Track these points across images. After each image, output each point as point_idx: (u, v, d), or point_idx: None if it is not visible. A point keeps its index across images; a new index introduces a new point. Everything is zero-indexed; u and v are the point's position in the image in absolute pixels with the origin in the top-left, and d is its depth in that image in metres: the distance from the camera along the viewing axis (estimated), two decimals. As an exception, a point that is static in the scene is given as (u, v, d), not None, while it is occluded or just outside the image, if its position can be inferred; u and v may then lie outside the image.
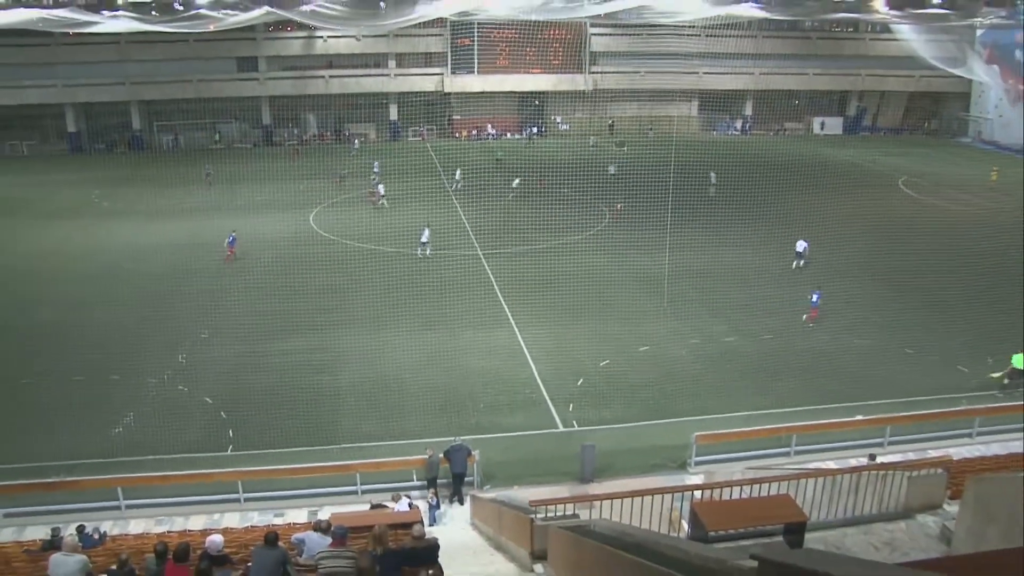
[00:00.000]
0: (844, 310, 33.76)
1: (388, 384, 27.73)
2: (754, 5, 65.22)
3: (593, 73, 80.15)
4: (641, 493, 13.58)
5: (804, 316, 33.02)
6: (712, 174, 53.18)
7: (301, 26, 72.87)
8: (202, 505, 21.58)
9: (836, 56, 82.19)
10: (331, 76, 77.65)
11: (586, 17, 72.76)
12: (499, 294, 36.02)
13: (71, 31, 65.71)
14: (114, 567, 13.07)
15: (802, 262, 38.94)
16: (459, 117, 79.95)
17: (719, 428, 23.72)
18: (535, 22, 68.52)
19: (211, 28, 65.11)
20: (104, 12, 62.83)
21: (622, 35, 78.61)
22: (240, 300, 34.82)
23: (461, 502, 21.36)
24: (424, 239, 40.67)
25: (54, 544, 16.22)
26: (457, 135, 79.36)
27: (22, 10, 61.05)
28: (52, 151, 76.39)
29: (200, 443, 24.33)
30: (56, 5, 63.04)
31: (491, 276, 38.31)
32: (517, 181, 54.85)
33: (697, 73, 77.30)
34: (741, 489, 13.60)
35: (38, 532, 19.74)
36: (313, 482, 22.09)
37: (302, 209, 50.28)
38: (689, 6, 65.53)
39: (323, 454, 23.07)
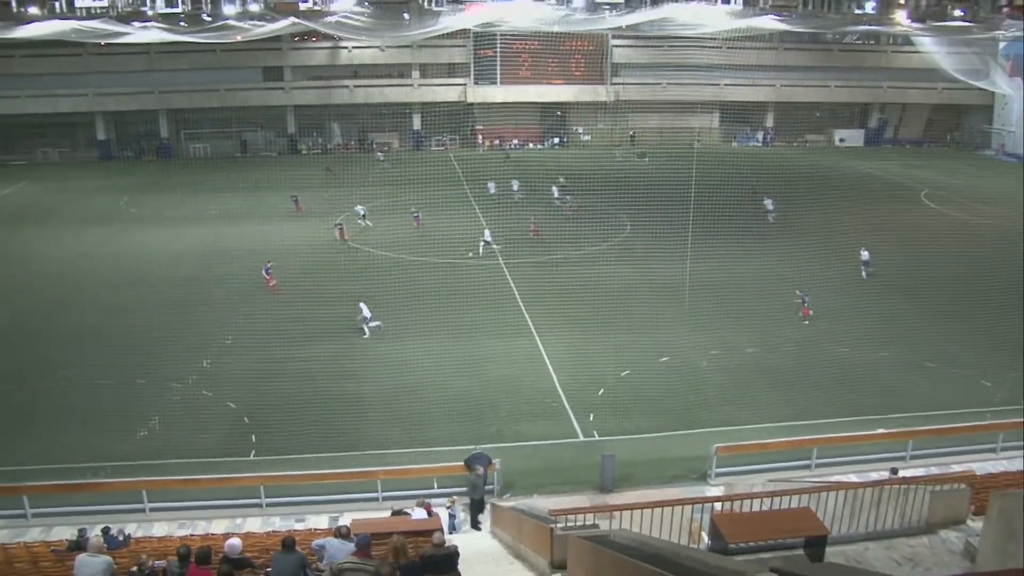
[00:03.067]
0: (866, 322, 33.64)
1: (410, 392, 27.88)
2: (775, 17, 65.29)
3: (615, 84, 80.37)
4: (661, 504, 13.62)
5: (805, 320, 33.91)
6: (768, 200, 51.05)
7: (326, 36, 73.60)
8: (225, 509, 21.77)
9: (857, 68, 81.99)
10: (355, 86, 78.23)
11: (608, 29, 73.02)
12: (521, 304, 36.14)
13: (103, 42, 66.67)
14: (135, 569, 13.25)
15: (870, 269, 39.56)
16: (482, 127, 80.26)
17: (740, 440, 23.65)
18: (557, 34, 68.83)
19: (238, 38, 65.88)
20: (135, 23, 63.81)
21: (644, 47, 78.81)
22: (264, 307, 35.13)
23: (481, 510, 21.44)
24: (487, 238, 41.53)
25: (80, 545, 16.43)
26: (480, 145, 79.67)
27: (56, 21, 62.34)
28: (83, 158, 77.53)
29: (223, 447, 24.58)
30: (89, 16, 64.06)
31: (513, 286, 38.45)
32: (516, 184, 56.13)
33: (718, 85, 77.32)
34: (762, 501, 13.60)
35: (64, 532, 20.03)
36: (334, 488, 22.20)
37: (327, 217, 50.62)
38: (711, 18, 65.66)
39: (345, 460, 23.21)
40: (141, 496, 21.51)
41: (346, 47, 76.73)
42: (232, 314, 34.81)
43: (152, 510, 21.57)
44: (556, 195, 54.41)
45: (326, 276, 38.88)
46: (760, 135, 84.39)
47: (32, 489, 21.49)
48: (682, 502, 14.10)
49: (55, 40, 63.78)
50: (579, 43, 77.71)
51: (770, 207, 50.62)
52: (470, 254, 41.60)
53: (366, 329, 32.94)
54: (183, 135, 79.50)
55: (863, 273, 39.65)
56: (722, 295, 35.73)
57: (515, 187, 56.48)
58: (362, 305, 33.26)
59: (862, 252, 40.31)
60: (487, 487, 21.76)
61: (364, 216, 49.26)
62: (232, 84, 75.69)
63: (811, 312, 34.18)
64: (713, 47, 71.40)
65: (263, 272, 38.79)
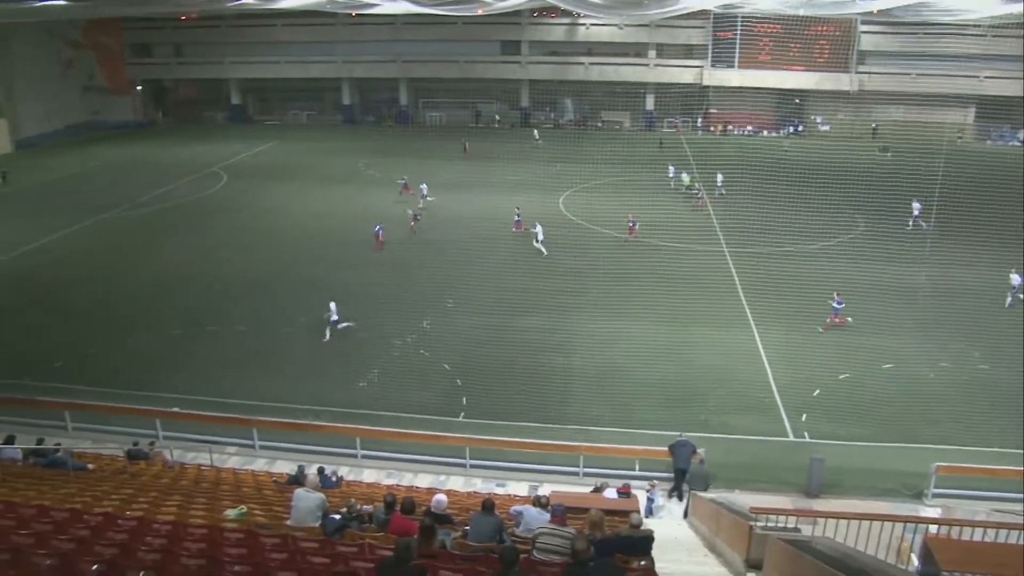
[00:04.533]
0: None
1: (619, 371, 27.78)
2: (1059, 0, 59.12)
3: (860, 73, 76.10)
4: (870, 517, 12.96)
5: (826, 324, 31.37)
6: (916, 204, 43.78)
7: (565, 13, 74.09)
8: (430, 465, 22.71)
9: None
10: (591, 63, 78.49)
11: (857, 13, 68.99)
12: (741, 294, 35.12)
13: (353, 12, 70.70)
14: (344, 510, 14.00)
15: (1020, 295, 34.36)
16: (715, 111, 78.38)
17: (964, 461, 21.76)
18: (802, 17, 65.83)
19: (479, 12, 67.55)
20: (383, -5, 66.86)
21: (895, 34, 73.88)
22: (485, 274, 35.98)
23: (680, 498, 21.11)
24: (540, 236, 40.21)
25: (298, 479, 17.60)
26: (712, 129, 77.92)
27: (314, -6, 66.40)
28: (328, 121, 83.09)
29: (434, 406, 25.49)
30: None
31: (735, 274, 37.44)
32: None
33: (977, 77, 71.36)
34: (984, 531, 12.64)
35: (286, 467, 21.64)
36: (536, 458, 22.59)
37: (552, 192, 51.15)
38: (976, 3, 60.57)
39: (549, 432, 23.48)
40: (355, 442, 22.82)
41: (584, 24, 77.09)
42: (454, 279, 35.91)
43: (364, 457, 22.86)
44: (720, 183, 52.11)
45: (546, 249, 39.37)
46: (1022, 134, 77.31)
47: (261, 423, 23.37)
48: (893, 518, 13.38)
49: (311, 11, 68.17)
50: (824, 28, 73.99)
51: (916, 211, 44.47)
52: (544, 250, 40.32)
53: (328, 332, 30.73)
54: (420, 103, 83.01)
55: (1007, 300, 34.51)
56: (958, 304, 33.08)
57: (671, 173, 54.90)
58: (332, 305, 31.12)
59: (1012, 275, 34.84)
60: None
61: (425, 195, 49.59)
62: (471, 56, 78.03)
63: (849, 320, 31.34)
64: (975, 35, 65.92)
65: (375, 231, 41.00)
